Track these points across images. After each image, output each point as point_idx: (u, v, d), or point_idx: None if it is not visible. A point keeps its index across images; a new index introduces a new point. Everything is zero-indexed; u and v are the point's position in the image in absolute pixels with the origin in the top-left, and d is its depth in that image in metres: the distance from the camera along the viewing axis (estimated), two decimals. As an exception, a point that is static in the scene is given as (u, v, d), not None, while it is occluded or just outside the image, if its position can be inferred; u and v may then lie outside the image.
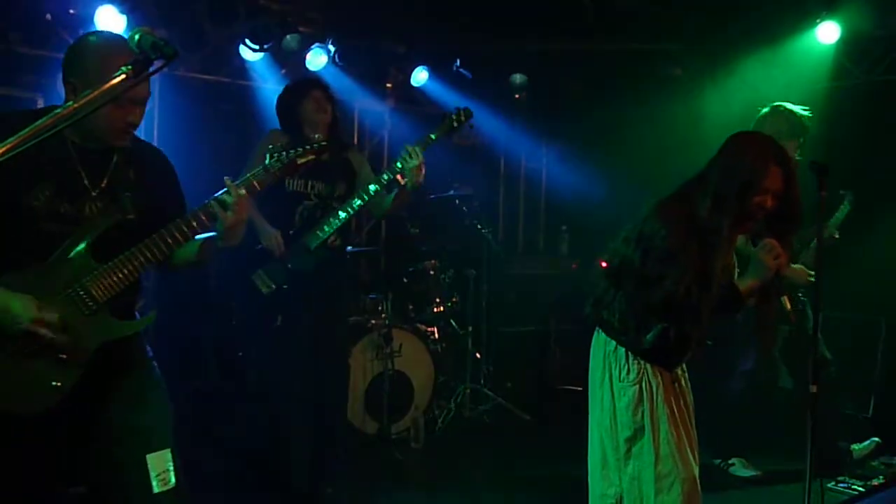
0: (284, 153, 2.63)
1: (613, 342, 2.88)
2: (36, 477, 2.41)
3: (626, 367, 2.84)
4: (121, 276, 2.39)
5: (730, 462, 4.85)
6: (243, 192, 2.47)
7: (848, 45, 5.86)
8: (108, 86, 1.72)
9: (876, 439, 4.94)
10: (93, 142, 2.44)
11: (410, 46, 6.62)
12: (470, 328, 6.18)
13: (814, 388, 2.96)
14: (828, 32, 5.76)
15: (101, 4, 5.15)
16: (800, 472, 2.95)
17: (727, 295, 2.72)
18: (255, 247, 4.00)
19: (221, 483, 4.46)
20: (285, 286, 3.97)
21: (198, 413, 5.47)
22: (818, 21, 5.75)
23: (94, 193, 2.43)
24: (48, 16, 5.19)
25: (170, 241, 2.44)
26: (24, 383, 2.29)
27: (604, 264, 2.96)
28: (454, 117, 4.26)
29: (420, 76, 6.79)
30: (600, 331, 2.95)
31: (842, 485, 4.44)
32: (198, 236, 2.52)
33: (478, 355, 6.33)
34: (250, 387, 5.18)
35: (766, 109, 4.54)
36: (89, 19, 5.22)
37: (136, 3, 5.27)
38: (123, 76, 1.74)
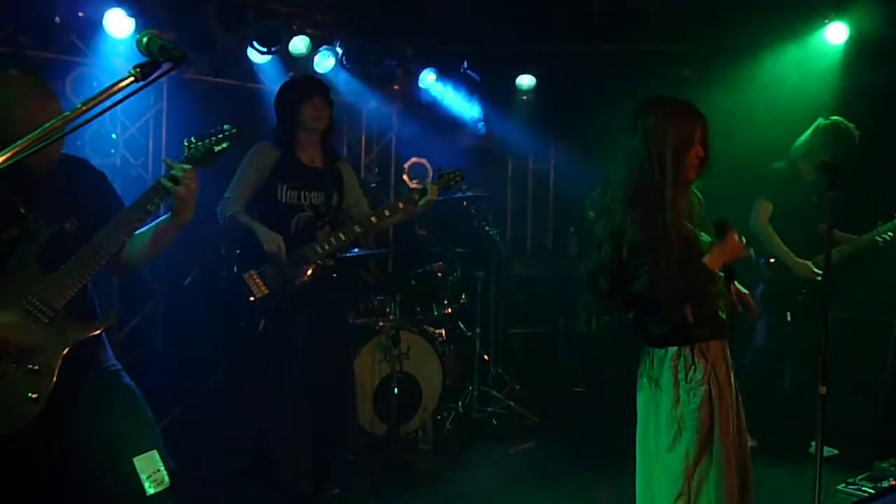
0: (201, 142, 2.62)
1: (673, 347, 2.83)
2: (19, 498, 2.39)
3: (694, 366, 2.80)
4: (72, 280, 2.41)
5: None
6: (188, 166, 2.49)
7: (857, 45, 5.85)
8: (116, 88, 1.72)
9: (835, 451, 4.91)
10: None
11: (418, 48, 6.63)
12: (478, 330, 6.17)
13: (823, 390, 2.95)
14: (836, 33, 5.77)
15: (110, 7, 5.18)
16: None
17: (699, 272, 2.76)
18: (251, 247, 3.99)
19: (227, 484, 4.47)
20: (277, 290, 3.95)
21: (205, 414, 5.49)
22: (827, 21, 5.76)
23: (31, 214, 2.44)
24: (57, 19, 5.21)
25: (122, 235, 2.45)
26: (1, 402, 2.29)
27: None
28: (450, 177, 4.52)
29: (428, 78, 6.80)
30: (651, 347, 2.92)
31: (851, 487, 4.42)
32: (145, 226, 2.54)
33: (486, 357, 6.32)
34: (251, 389, 5.18)
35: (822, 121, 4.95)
36: (98, 22, 5.25)
37: (145, 5, 5.29)
38: (132, 79, 1.74)
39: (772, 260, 5.07)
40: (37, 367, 2.32)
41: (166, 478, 2.46)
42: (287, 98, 4.19)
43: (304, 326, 4.06)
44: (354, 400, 4.64)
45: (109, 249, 2.44)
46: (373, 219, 4.18)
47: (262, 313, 4.03)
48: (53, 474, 2.43)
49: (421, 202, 4.24)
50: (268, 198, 4.09)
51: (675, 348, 2.83)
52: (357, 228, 4.14)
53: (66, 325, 2.41)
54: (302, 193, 4.11)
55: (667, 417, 2.82)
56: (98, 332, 2.57)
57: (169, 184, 2.45)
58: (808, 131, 5.00)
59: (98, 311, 2.66)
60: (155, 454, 2.47)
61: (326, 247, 4.03)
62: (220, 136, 2.64)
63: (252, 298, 3.92)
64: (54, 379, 2.35)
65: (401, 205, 4.23)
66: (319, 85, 4.25)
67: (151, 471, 2.43)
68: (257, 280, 3.93)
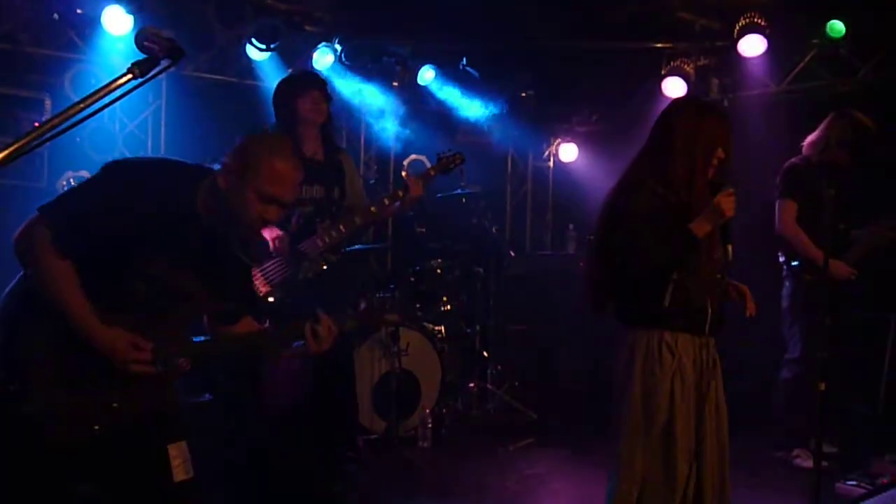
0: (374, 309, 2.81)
1: (642, 331, 2.89)
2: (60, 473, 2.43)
3: (659, 361, 2.84)
4: (200, 356, 2.53)
5: (794, 454, 4.89)
6: (335, 329, 2.56)
7: (855, 42, 5.85)
8: (114, 85, 1.71)
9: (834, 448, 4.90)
10: (223, 225, 2.50)
11: (417, 45, 6.62)
12: (477, 327, 6.18)
13: (822, 387, 2.96)
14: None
15: (109, 4, 5.18)
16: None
17: (681, 235, 2.80)
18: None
19: (227, 480, 4.48)
20: (279, 287, 3.90)
21: (204, 411, 5.49)
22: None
23: (197, 275, 2.50)
24: (55, 15, 5.22)
25: (253, 348, 2.63)
26: (67, 421, 2.36)
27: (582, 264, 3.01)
28: (449, 160, 4.42)
29: (427, 75, 6.80)
30: (626, 327, 2.97)
31: (849, 483, 4.43)
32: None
33: (485, 354, 6.33)
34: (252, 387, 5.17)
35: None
36: (96, 19, 5.25)
37: (143, 2, 5.29)
38: (130, 75, 1.74)
39: (794, 263, 4.83)
40: (116, 405, 2.41)
41: (191, 469, 2.52)
42: (285, 93, 4.16)
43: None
44: (355, 398, 4.62)
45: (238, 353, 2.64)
46: (372, 209, 4.10)
47: (265, 312, 3.99)
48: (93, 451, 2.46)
49: (403, 196, 4.13)
50: None
51: (645, 335, 2.88)
52: (357, 220, 4.06)
53: (163, 390, 2.52)
54: (303, 188, 3.98)
55: (629, 404, 2.90)
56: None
57: (308, 335, 2.54)
58: (822, 126, 4.88)
59: None
60: (184, 444, 2.54)
61: (327, 240, 3.97)
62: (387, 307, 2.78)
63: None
64: (116, 423, 2.42)
65: (400, 192, 4.16)
66: (317, 79, 4.23)
67: (181, 459, 2.50)
68: (259, 279, 3.89)
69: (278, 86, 4.25)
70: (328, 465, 4.27)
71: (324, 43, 6.14)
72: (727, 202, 2.78)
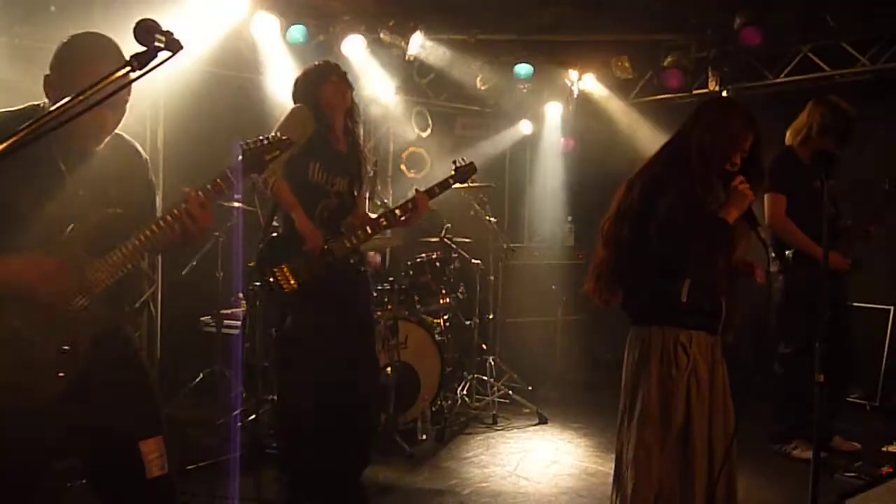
0: (254, 146, 2.57)
1: (659, 334, 2.88)
2: (30, 461, 2.41)
3: (675, 362, 2.84)
4: (114, 269, 2.43)
5: (792, 446, 4.90)
6: (204, 202, 2.44)
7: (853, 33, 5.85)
8: (113, 78, 1.71)
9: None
10: (72, 141, 2.41)
11: (416, 36, 6.61)
12: (476, 319, 6.18)
13: (820, 378, 2.95)
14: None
15: (107, -3, 5.16)
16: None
17: (714, 224, 2.83)
18: (279, 240, 3.90)
19: (226, 472, 4.48)
20: (307, 284, 3.82)
21: (204, 403, 5.50)
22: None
23: (80, 192, 2.43)
24: (52, 8, 5.21)
25: (156, 239, 2.46)
26: (29, 377, 2.32)
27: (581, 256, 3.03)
28: (465, 170, 4.37)
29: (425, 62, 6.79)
30: (640, 325, 2.96)
31: (848, 473, 4.44)
32: None
33: (484, 346, 6.33)
34: (268, 378, 5.12)
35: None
36: (94, 11, 5.23)
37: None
38: (128, 68, 1.73)
39: (788, 252, 4.77)
40: (67, 348, 2.35)
41: (165, 466, 2.50)
42: (305, 81, 4.06)
43: (333, 321, 3.95)
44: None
45: (148, 250, 2.46)
46: (397, 212, 4.05)
47: (290, 308, 3.93)
48: (65, 445, 2.45)
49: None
50: (297, 174, 3.92)
51: (659, 333, 2.87)
52: (383, 222, 4.01)
53: (99, 311, 2.43)
54: (330, 177, 3.98)
55: (643, 406, 2.89)
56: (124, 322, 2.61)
57: (185, 217, 2.43)
58: (803, 115, 4.86)
59: (125, 295, 2.67)
60: (160, 440, 2.51)
61: (354, 241, 3.92)
62: (274, 142, 2.60)
63: (286, 287, 3.80)
64: (81, 362, 2.38)
65: (409, 205, 4.06)
66: (334, 66, 4.11)
67: (154, 455, 2.47)
68: (287, 274, 3.81)
69: (298, 77, 4.14)
70: (354, 464, 4.22)
71: (324, 35, 6.11)
72: (744, 187, 2.83)
